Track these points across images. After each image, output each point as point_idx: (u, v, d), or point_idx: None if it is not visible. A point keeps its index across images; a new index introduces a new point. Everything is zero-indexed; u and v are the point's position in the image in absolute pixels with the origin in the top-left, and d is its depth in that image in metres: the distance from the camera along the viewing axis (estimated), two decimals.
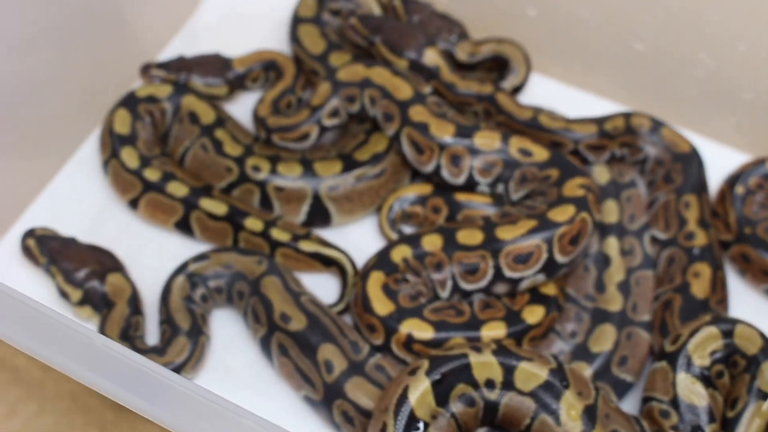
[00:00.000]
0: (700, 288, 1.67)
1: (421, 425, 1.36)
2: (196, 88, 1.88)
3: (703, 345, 1.50)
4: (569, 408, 1.39)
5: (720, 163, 1.90)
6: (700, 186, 1.80)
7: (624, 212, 1.77)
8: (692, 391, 1.47)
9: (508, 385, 1.41)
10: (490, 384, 1.41)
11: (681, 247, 1.73)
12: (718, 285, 1.70)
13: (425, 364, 1.41)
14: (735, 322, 1.53)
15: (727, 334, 1.51)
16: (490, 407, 1.42)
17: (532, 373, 1.41)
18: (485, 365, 1.41)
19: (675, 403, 1.47)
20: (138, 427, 1.64)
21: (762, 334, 1.53)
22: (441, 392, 1.39)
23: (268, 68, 1.94)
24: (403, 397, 1.38)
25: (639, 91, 1.92)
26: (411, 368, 1.42)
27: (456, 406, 1.40)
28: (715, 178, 1.88)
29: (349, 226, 1.83)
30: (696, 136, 1.93)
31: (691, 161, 1.81)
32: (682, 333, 1.52)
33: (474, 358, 1.41)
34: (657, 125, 1.84)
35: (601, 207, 1.75)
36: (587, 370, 1.58)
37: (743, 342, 1.51)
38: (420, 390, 1.38)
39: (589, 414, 1.40)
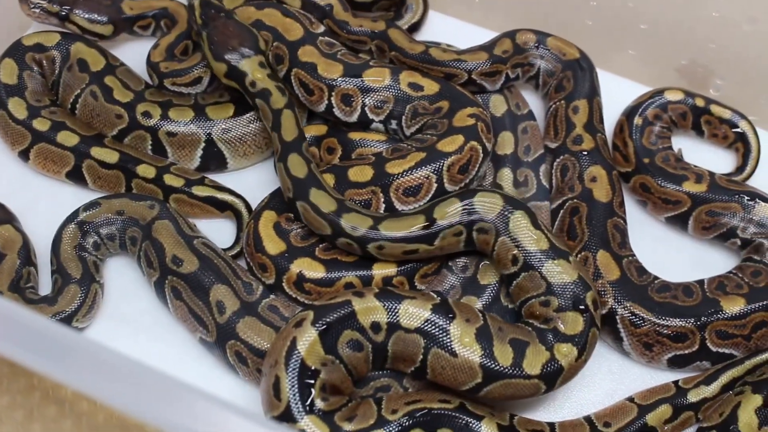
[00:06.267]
0: (601, 192, 1.69)
1: (312, 373, 1.37)
2: (78, 23, 1.83)
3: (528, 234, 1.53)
4: (462, 336, 1.41)
5: (620, 96, 1.89)
6: (591, 91, 1.81)
7: (520, 144, 1.76)
8: (543, 271, 1.50)
9: (394, 325, 1.42)
10: (375, 327, 1.42)
11: (571, 153, 1.74)
12: (617, 186, 1.72)
13: (310, 315, 1.41)
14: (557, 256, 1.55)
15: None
16: (379, 349, 1.43)
17: (415, 311, 1.42)
18: (369, 309, 1.42)
19: (550, 290, 1.49)
20: (34, 379, 1.62)
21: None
22: (328, 340, 1.39)
23: (159, 16, 1.90)
24: (292, 349, 1.38)
25: (538, 26, 1.90)
26: (296, 320, 1.41)
27: (344, 352, 1.41)
28: (615, 111, 1.88)
29: (246, 171, 1.81)
30: (596, 70, 1.92)
31: (580, 67, 1.82)
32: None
33: (357, 305, 1.42)
34: (542, 37, 1.85)
35: (496, 138, 1.74)
36: (477, 304, 1.57)
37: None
38: (308, 340, 1.38)
39: (483, 334, 1.42)
